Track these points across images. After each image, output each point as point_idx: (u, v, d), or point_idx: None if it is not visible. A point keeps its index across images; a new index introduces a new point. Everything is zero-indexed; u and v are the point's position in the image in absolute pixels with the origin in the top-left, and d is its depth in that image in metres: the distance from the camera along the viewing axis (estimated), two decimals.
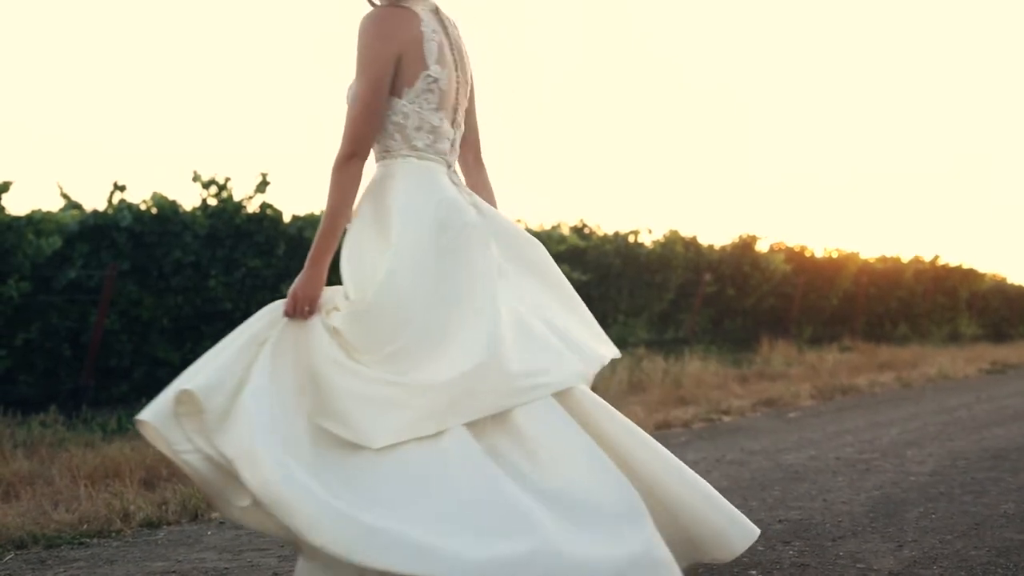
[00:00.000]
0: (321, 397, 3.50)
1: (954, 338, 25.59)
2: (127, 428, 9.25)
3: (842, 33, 36.57)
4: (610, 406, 3.72)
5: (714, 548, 3.74)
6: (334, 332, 3.57)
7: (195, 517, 5.99)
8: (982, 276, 27.54)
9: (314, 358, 3.55)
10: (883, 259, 24.68)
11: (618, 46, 32.02)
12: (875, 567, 4.59)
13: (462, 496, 3.29)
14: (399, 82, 3.74)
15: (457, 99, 3.86)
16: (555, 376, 3.59)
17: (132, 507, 5.94)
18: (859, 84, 37.18)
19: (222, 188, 11.66)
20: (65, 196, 11.26)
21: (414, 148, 3.78)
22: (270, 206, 11.75)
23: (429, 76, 3.76)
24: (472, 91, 4.00)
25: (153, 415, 3.49)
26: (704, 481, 3.87)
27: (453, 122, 3.86)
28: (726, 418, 10.30)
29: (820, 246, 24.38)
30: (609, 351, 3.92)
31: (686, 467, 3.84)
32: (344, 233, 3.72)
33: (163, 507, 6.04)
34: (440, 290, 3.56)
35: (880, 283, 23.86)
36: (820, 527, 5.40)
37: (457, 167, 3.94)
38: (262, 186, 11.77)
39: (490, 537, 3.19)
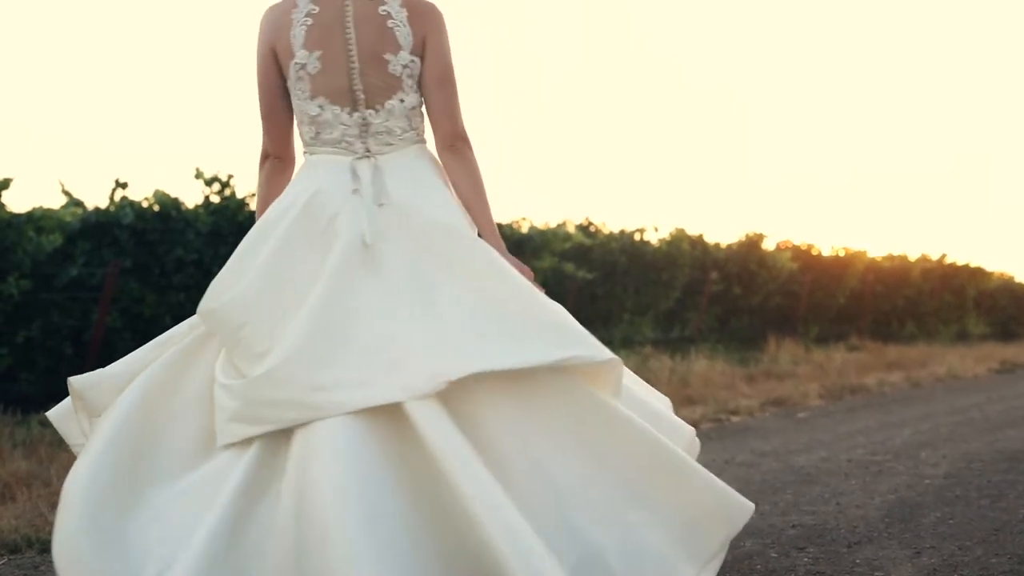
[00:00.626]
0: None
1: (962, 337, 25.45)
2: None
3: (846, 31, 36.43)
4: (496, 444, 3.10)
5: None
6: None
7: None
8: (989, 275, 27.41)
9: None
10: (890, 257, 24.56)
11: (621, 44, 31.88)
12: None
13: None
14: (285, 77, 3.61)
15: (355, 78, 3.51)
16: (362, 392, 3.07)
17: None
18: (863, 82, 37.03)
19: (225, 185, 11.57)
20: (67, 193, 11.15)
21: (305, 143, 3.62)
22: None
23: (296, 64, 3.53)
24: (427, 68, 3.55)
25: (56, 411, 3.62)
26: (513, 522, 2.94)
27: (353, 105, 3.51)
28: (734, 418, 10.18)
29: (827, 244, 24.25)
30: (540, 356, 3.15)
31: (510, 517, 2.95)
32: None
33: None
34: (271, 291, 3.29)
35: (887, 281, 23.74)
36: (835, 532, 5.26)
37: (382, 152, 3.54)
38: None
39: None
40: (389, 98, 3.52)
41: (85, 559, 3.04)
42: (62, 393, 9.99)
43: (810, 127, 37.15)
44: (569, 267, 15.62)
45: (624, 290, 17.21)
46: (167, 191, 11.29)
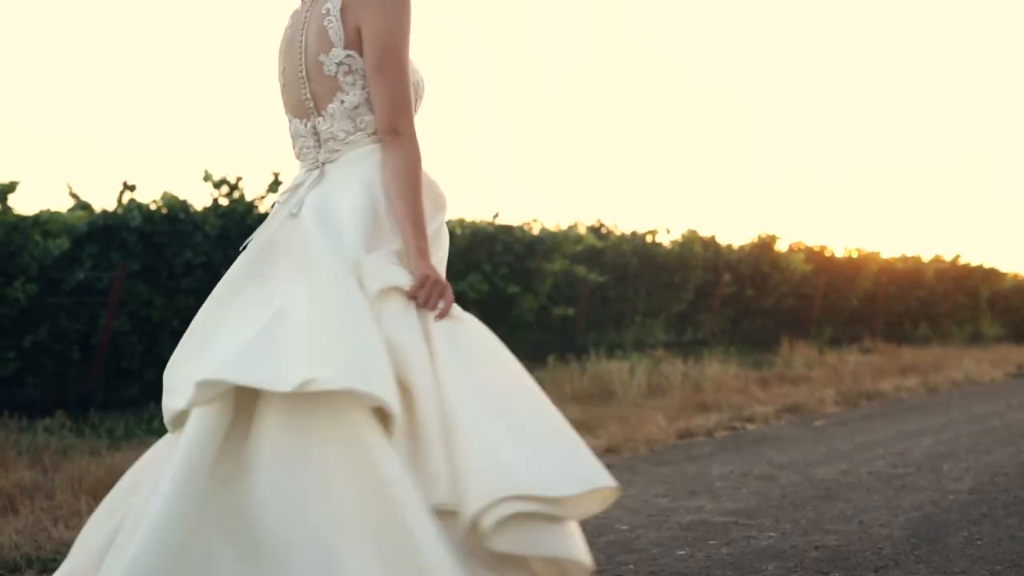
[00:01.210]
0: None
1: (976, 338, 25.26)
2: (134, 434, 9.06)
3: (848, 29, 36.26)
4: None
5: None
6: None
7: None
8: (1003, 276, 27.21)
9: None
10: (903, 258, 24.37)
11: (626, 44, 31.75)
12: None
13: None
14: None
15: (303, 87, 3.31)
16: (172, 398, 3.02)
17: None
18: (867, 80, 36.84)
19: (233, 188, 11.45)
20: (74, 196, 11.03)
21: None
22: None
23: (278, 80, 3.42)
24: (365, 58, 3.27)
25: None
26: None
27: (305, 115, 3.32)
28: (750, 426, 10.02)
29: (839, 245, 24.08)
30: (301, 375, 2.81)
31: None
32: None
33: None
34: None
35: (900, 283, 23.56)
36: (860, 555, 5.10)
37: (331, 159, 3.31)
38: (274, 185, 11.55)
39: None
40: (331, 101, 3.28)
41: None
42: (69, 398, 9.97)
43: (815, 126, 37.02)
44: (580, 269, 15.47)
45: (636, 292, 17.05)
46: (175, 193, 11.17)
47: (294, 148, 3.39)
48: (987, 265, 26.52)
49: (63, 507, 6.22)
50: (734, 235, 24.95)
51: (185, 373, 2.97)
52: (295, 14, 3.38)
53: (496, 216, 14.96)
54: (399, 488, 2.78)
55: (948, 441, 9.00)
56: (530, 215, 16.88)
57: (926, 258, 24.99)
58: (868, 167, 38.46)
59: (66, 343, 10.28)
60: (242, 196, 11.44)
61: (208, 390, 2.85)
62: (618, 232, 17.33)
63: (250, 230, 11.20)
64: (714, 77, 34.17)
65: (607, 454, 8.29)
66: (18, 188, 9.89)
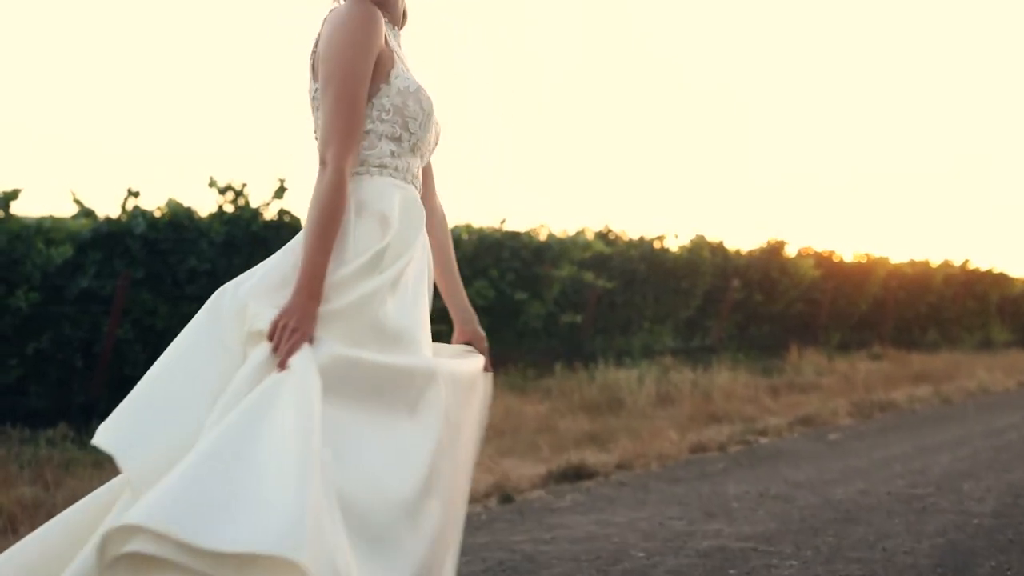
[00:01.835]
0: None
1: (985, 344, 25.09)
2: None
3: (855, 27, 36.11)
4: None
5: None
6: None
7: None
8: (1013, 281, 27.03)
9: None
10: (912, 263, 24.20)
11: (630, 47, 31.60)
12: None
13: None
14: None
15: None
16: None
17: None
18: (878, 81, 36.66)
19: (239, 194, 11.30)
20: (78, 202, 10.89)
21: None
22: (288, 213, 11.40)
23: None
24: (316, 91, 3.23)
25: None
26: None
27: None
28: (763, 440, 9.85)
29: (847, 250, 23.91)
30: None
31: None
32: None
33: None
34: None
35: (909, 288, 23.38)
36: None
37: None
38: (280, 192, 11.40)
39: None
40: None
41: None
42: (71, 408, 9.84)
43: (819, 127, 36.87)
44: (588, 276, 15.32)
45: (644, 299, 16.88)
46: (180, 200, 11.04)
47: None
48: (996, 270, 26.36)
49: None
50: (740, 238, 24.86)
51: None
52: None
53: (503, 222, 14.81)
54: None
55: (966, 458, 8.84)
56: (537, 220, 16.73)
57: (935, 263, 24.82)
58: (874, 167, 38.32)
59: (69, 351, 10.15)
60: (247, 202, 11.30)
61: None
62: (626, 238, 17.17)
63: (255, 237, 11.17)
64: (717, 78, 34.04)
65: (619, 470, 8.15)
66: (22, 191, 9.84)
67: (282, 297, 2.97)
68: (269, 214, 11.35)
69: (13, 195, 9.76)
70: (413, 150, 3.21)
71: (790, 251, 20.26)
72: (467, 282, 13.33)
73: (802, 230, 40.75)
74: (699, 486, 7.58)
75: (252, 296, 3.01)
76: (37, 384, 10.15)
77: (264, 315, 2.94)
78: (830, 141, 36.73)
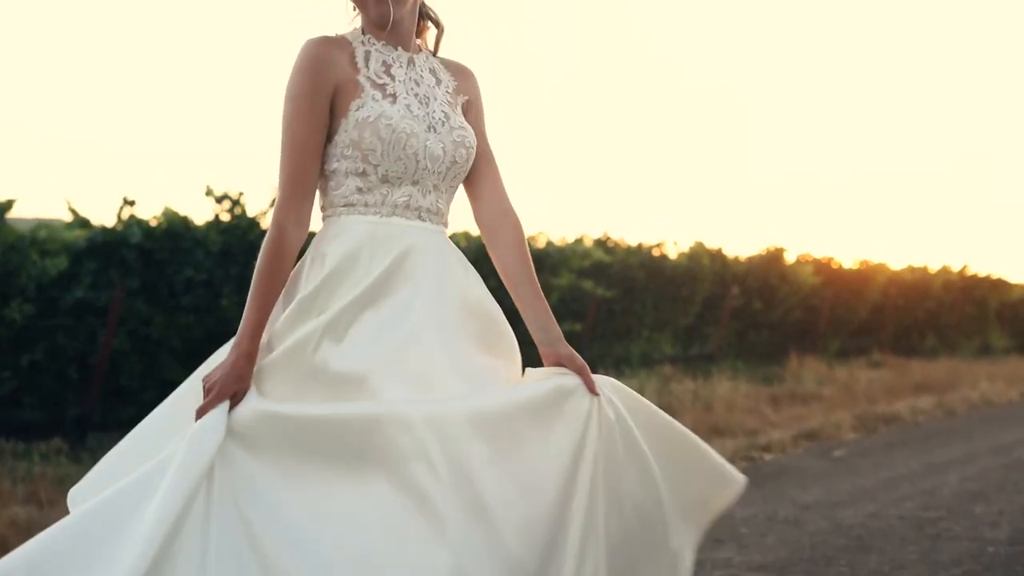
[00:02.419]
0: None
1: (985, 351, 25.00)
2: None
3: (851, 31, 36.03)
4: None
5: None
6: None
7: None
8: (1011, 286, 26.95)
9: None
10: (911, 269, 24.11)
11: (628, 51, 31.51)
12: None
13: None
14: None
15: None
16: None
17: None
18: (876, 85, 36.59)
19: (236, 203, 11.18)
20: (73, 211, 10.74)
21: None
22: None
23: None
24: None
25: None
26: None
27: None
28: (767, 456, 9.72)
29: (847, 256, 23.82)
30: None
31: None
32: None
33: None
34: None
35: (908, 294, 23.29)
36: None
37: None
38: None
39: None
40: None
41: None
42: (66, 421, 9.72)
43: (817, 130, 36.78)
44: (587, 284, 15.18)
45: (643, 306, 16.75)
46: (176, 209, 10.91)
47: None
48: (995, 276, 26.29)
49: None
50: (739, 242, 24.79)
51: None
52: None
53: None
54: None
55: (976, 477, 8.71)
56: (535, 227, 16.59)
57: (933, 268, 24.73)
58: (870, 171, 38.20)
59: (63, 362, 10.02)
60: (244, 212, 11.18)
61: None
62: (624, 245, 17.05)
63: (253, 246, 11.05)
64: (714, 82, 33.93)
65: None
66: (20, 195, 9.72)
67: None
68: (266, 223, 11.22)
69: (7, 205, 9.64)
70: (387, 180, 3.10)
71: (789, 258, 20.16)
72: None
73: (800, 235, 40.60)
74: None
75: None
76: (31, 396, 10.01)
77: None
78: (827, 145, 36.63)
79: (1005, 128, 40.78)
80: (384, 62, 3.18)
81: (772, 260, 19.62)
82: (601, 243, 16.81)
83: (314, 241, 3.15)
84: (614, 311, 16.10)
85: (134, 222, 10.62)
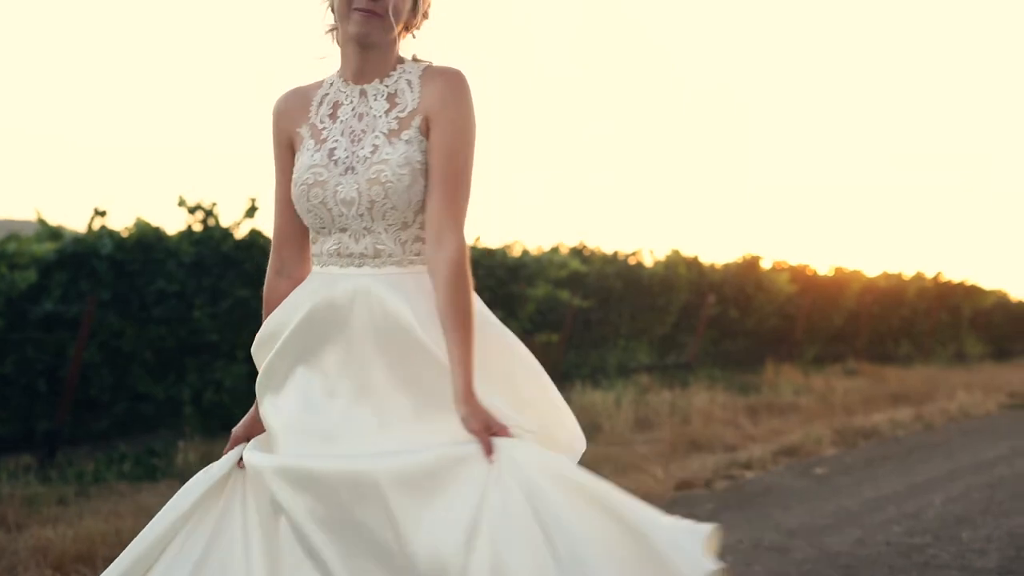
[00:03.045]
0: None
1: (959, 358, 25.02)
2: (104, 478, 8.63)
3: (823, 46, 36.09)
4: None
5: None
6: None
7: None
8: (985, 292, 27.00)
9: None
10: (886, 276, 24.12)
11: (609, 66, 31.48)
12: None
13: None
14: None
15: None
16: None
17: None
18: (849, 96, 36.69)
19: (208, 213, 11.02)
20: (42, 222, 10.54)
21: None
22: (260, 232, 11.11)
23: None
24: None
25: None
26: None
27: None
28: (748, 474, 9.58)
29: (823, 263, 23.82)
30: None
31: None
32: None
33: None
34: None
35: (883, 301, 23.29)
36: None
37: None
38: (251, 211, 11.12)
39: None
40: None
41: None
42: (35, 435, 9.55)
43: (793, 139, 36.84)
44: (564, 294, 15.05)
45: (619, 315, 16.63)
46: (148, 219, 10.75)
47: None
48: (969, 282, 26.33)
49: None
50: (715, 248, 24.73)
51: None
52: None
53: (478, 239, 14.53)
54: None
55: (960, 498, 8.60)
56: (510, 235, 16.49)
57: (908, 275, 24.76)
58: (846, 178, 38.29)
59: (32, 375, 9.84)
60: (217, 222, 11.02)
61: None
62: (601, 253, 16.93)
63: (226, 257, 10.87)
64: (689, 89, 33.92)
65: None
66: None
67: None
68: (240, 234, 11.07)
69: None
70: (317, 230, 3.09)
71: (765, 265, 20.11)
72: None
73: (776, 241, 40.67)
74: None
75: None
76: (1, 409, 9.82)
77: None
78: (801, 153, 36.72)
79: (979, 135, 40.92)
80: (334, 103, 3.12)
81: (748, 268, 19.57)
82: (577, 252, 16.69)
83: None
84: (590, 321, 15.98)
85: (105, 232, 10.44)
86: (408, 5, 3.07)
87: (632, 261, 17.17)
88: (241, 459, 3.04)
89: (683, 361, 17.79)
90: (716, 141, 34.50)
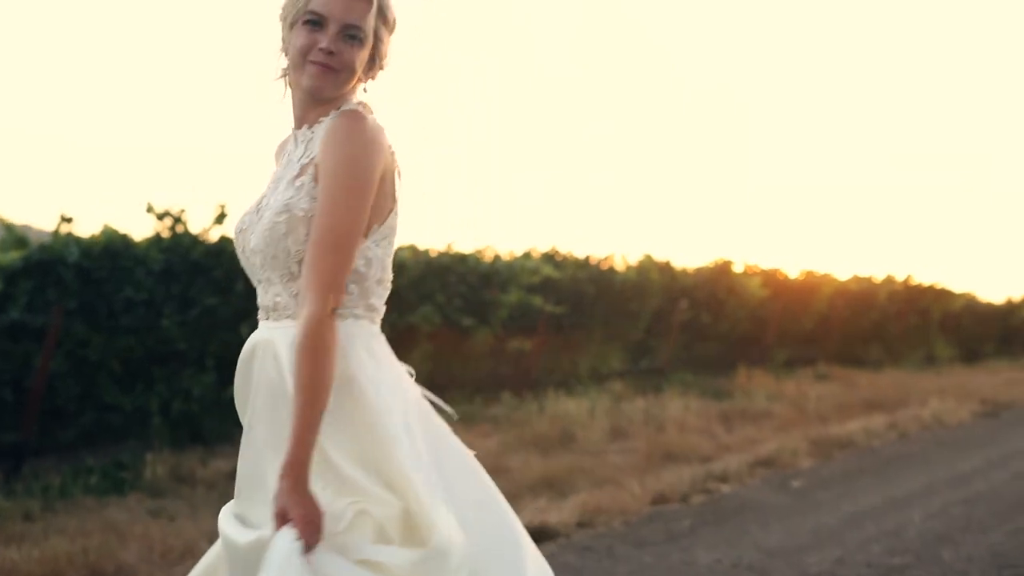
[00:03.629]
0: None
1: (929, 361, 25.06)
2: (70, 493, 8.48)
3: (793, 50, 36.15)
4: None
5: None
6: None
7: None
8: (954, 296, 27.07)
9: None
10: (856, 279, 24.13)
11: (586, 71, 31.44)
12: None
13: None
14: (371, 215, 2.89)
15: None
16: None
17: None
18: (816, 97, 36.77)
19: (177, 220, 10.84)
20: (9, 228, 10.36)
21: (370, 308, 2.93)
22: (229, 239, 10.92)
23: (395, 215, 2.97)
24: None
25: None
26: None
27: None
28: (724, 487, 9.49)
29: (794, 266, 23.84)
30: None
31: None
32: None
33: None
34: None
35: (854, 305, 23.29)
36: None
37: None
38: (220, 218, 10.97)
39: None
40: None
41: None
42: (1, 448, 9.38)
43: (764, 142, 36.89)
44: (537, 300, 14.93)
45: (592, 321, 16.52)
46: (116, 226, 10.57)
47: (383, 298, 3.03)
48: (938, 285, 26.39)
49: None
50: (689, 255, 24.68)
51: None
52: None
53: (450, 245, 14.41)
54: None
55: (938, 514, 8.54)
56: (481, 240, 16.37)
57: (879, 278, 24.78)
58: (813, 180, 38.38)
59: None
60: (186, 229, 10.86)
61: None
62: (573, 258, 16.82)
63: (195, 265, 10.72)
64: (663, 93, 33.91)
65: (580, 529, 7.74)
66: None
67: None
68: (209, 240, 10.90)
69: None
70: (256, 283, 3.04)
71: (736, 269, 20.07)
72: (413, 308, 13.02)
73: (747, 244, 40.75)
74: (668, 552, 7.20)
75: None
76: None
77: None
78: (771, 156, 36.77)
79: (951, 138, 41.07)
80: (287, 149, 3.04)
81: (720, 272, 19.52)
82: (550, 257, 16.57)
83: None
84: (563, 326, 15.87)
85: (72, 240, 10.27)
86: (364, 59, 2.94)
87: (604, 266, 17.07)
88: None
89: (656, 366, 17.72)
90: (687, 147, 34.53)
